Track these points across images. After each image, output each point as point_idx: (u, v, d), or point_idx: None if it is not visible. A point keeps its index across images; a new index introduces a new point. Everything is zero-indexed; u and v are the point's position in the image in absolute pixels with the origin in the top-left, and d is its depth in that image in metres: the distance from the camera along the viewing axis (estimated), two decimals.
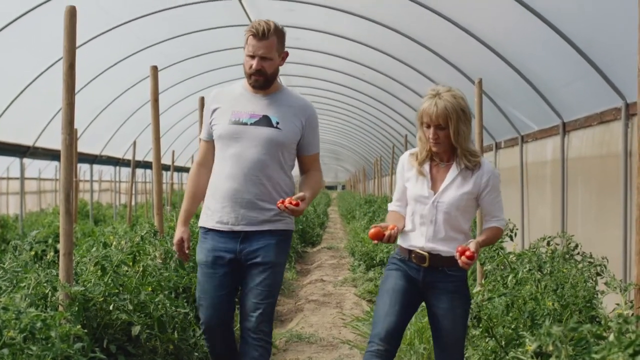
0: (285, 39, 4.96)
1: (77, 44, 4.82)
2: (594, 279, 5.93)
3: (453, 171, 4.58)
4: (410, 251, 4.63)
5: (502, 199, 4.69)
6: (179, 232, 5.24)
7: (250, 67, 4.89)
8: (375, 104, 20.88)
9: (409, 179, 4.69)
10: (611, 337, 3.80)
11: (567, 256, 6.46)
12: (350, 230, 21.69)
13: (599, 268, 5.95)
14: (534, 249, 6.78)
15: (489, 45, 10.15)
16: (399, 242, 4.72)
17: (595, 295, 5.66)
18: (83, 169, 21.54)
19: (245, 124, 4.95)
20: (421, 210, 4.60)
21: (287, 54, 5.05)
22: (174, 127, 21.78)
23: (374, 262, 13.02)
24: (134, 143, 17.52)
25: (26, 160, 17.19)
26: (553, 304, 5.38)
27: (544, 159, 10.74)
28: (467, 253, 4.30)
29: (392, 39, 12.92)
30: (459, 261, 4.31)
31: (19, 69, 13.06)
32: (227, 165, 4.98)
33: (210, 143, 5.16)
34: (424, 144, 4.61)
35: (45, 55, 12.57)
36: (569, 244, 6.58)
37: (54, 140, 15.74)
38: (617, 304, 4.79)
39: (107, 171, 26.04)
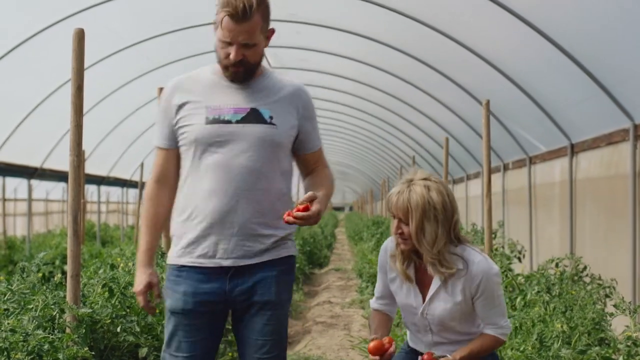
0: (270, 10, 3.77)
1: (85, 65, 4.83)
2: (603, 300, 5.91)
3: (438, 277, 3.72)
4: (416, 351, 3.94)
5: (503, 296, 3.79)
6: (144, 276, 3.80)
7: (227, 56, 3.69)
8: (383, 125, 20.89)
9: (393, 280, 3.90)
10: None
11: (575, 278, 6.45)
12: (357, 251, 21.63)
13: (607, 290, 5.94)
14: (543, 271, 6.77)
15: (497, 67, 10.15)
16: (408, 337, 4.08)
17: (604, 317, 5.63)
18: (90, 190, 21.58)
19: (229, 121, 3.74)
20: (412, 319, 3.84)
21: (273, 32, 3.86)
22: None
23: None
24: (142, 164, 17.52)
25: (34, 182, 17.21)
26: (562, 326, 5.36)
27: (552, 180, 10.72)
28: None
29: (399, 60, 12.94)
30: None
31: (27, 91, 13.10)
32: (208, 179, 3.75)
33: (171, 152, 3.90)
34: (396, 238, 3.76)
35: (53, 77, 12.62)
36: (578, 265, 6.57)
37: (62, 161, 15.78)
38: (627, 326, 4.77)
39: (115, 192, 26.04)
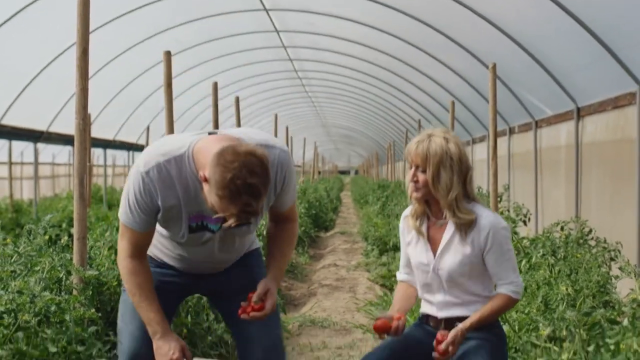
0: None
1: (90, 29, 4.82)
2: (608, 264, 5.92)
3: (449, 229, 3.87)
4: (426, 316, 4.04)
5: (513, 251, 3.90)
6: (174, 343, 3.65)
7: (224, 215, 3.28)
8: (389, 89, 20.85)
9: (409, 242, 4.05)
10: (625, 322, 3.80)
11: (581, 241, 6.45)
12: (363, 215, 21.68)
13: (612, 253, 5.95)
14: (548, 234, 6.77)
15: (503, 30, 10.10)
16: None
17: (609, 280, 5.65)
18: (96, 153, 21.61)
19: (212, 231, 3.70)
20: (425, 279, 3.96)
21: None
22: (187, 112, 21.80)
23: (387, 246, 13.04)
24: (147, 128, 17.54)
25: (40, 145, 17.26)
26: (567, 289, 5.37)
27: (558, 144, 10.70)
28: (440, 348, 3.68)
29: (406, 24, 12.89)
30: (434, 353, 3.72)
31: (32, 55, 13.09)
32: (185, 251, 3.85)
33: (148, 233, 3.69)
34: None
35: (59, 40, 12.59)
36: (583, 229, 6.58)
37: (68, 125, 15.70)
38: (632, 289, 4.79)
39: (121, 156, 26.06)
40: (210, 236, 3.72)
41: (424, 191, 3.81)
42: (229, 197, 3.16)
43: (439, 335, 3.73)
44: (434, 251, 3.91)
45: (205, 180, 3.26)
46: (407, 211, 4.05)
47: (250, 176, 3.14)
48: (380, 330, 3.82)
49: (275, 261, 3.86)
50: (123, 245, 3.67)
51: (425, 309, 4.04)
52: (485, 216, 3.82)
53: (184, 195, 3.52)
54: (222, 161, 3.16)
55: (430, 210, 3.92)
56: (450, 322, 3.84)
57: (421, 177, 3.78)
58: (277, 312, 4.01)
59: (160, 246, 3.92)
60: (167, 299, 3.88)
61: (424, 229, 3.95)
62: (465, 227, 3.81)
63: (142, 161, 3.51)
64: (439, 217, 3.91)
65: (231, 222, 3.24)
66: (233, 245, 3.87)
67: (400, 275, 4.21)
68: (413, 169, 3.82)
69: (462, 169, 3.79)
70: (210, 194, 3.24)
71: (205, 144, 3.41)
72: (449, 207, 3.80)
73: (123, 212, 3.62)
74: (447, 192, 3.76)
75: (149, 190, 3.48)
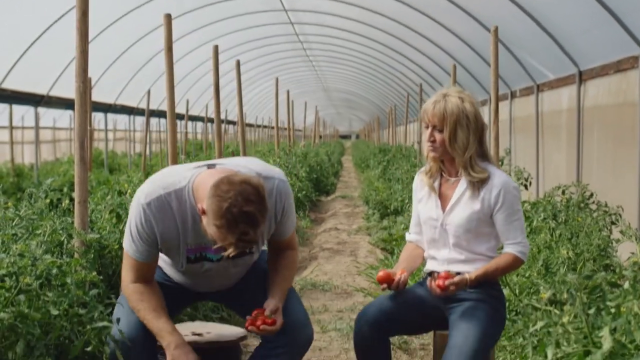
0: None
1: None
2: (609, 227, 5.92)
3: (461, 186, 3.96)
4: (430, 273, 4.06)
5: (521, 212, 4.00)
6: (192, 354, 3.60)
7: (222, 244, 3.29)
8: (390, 53, 20.77)
9: (421, 199, 4.13)
10: (626, 285, 3.80)
11: (582, 205, 6.45)
12: (364, 179, 21.69)
13: (613, 217, 5.95)
14: (549, 198, 6.77)
15: None
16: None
17: (610, 244, 5.66)
18: (97, 118, 21.56)
19: (211, 260, 3.77)
20: (432, 234, 4.04)
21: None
22: (188, 75, 21.75)
23: (388, 210, 13.03)
24: (148, 92, 17.49)
25: (41, 110, 17.20)
26: (567, 253, 5.38)
27: (559, 107, 10.68)
28: (439, 282, 3.75)
29: None
30: (428, 282, 3.89)
31: (31, 18, 13.03)
32: (187, 279, 3.97)
33: (150, 264, 3.75)
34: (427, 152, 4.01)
35: (59, 3, 12.53)
36: (584, 192, 6.57)
37: (68, 88, 15.71)
38: (632, 253, 4.79)
39: (122, 120, 26.03)
40: (210, 266, 3.79)
41: (441, 150, 3.91)
42: (226, 227, 3.20)
43: (443, 272, 3.84)
44: (444, 208, 4.00)
45: (204, 212, 3.31)
46: (422, 169, 4.16)
47: (246, 204, 3.19)
48: (383, 280, 3.93)
49: (277, 285, 3.86)
50: (126, 273, 3.77)
51: (430, 265, 4.10)
52: (498, 175, 3.93)
53: (182, 228, 3.61)
54: (218, 192, 3.22)
55: (445, 168, 4.03)
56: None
57: (438, 136, 3.88)
58: (295, 292, 4.10)
59: (164, 271, 4.04)
60: (172, 297, 3.94)
61: (436, 185, 4.04)
62: (478, 184, 3.90)
63: (144, 193, 3.60)
64: (453, 175, 4.01)
65: (230, 251, 3.27)
66: (235, 272, 3.94)
67: (409, 235, 4.30)
68: (430, 129, 3.91)
69: (478, 128, 3.89)
70: (208, 225, 3.29)
71: (204, 178, 3.50)
72: (464, 165, 3.90)
73: (126, 242, 3.71)
74: (464, 150, 3.87)
75: (149, 221, 3.57)
